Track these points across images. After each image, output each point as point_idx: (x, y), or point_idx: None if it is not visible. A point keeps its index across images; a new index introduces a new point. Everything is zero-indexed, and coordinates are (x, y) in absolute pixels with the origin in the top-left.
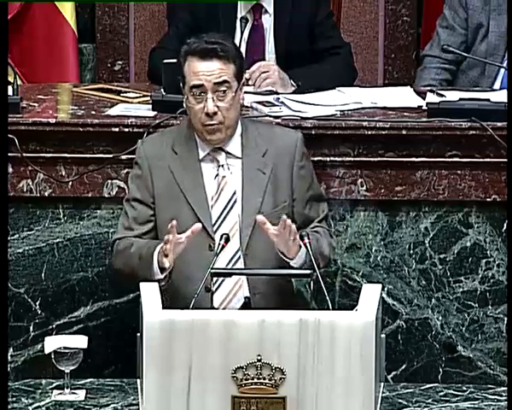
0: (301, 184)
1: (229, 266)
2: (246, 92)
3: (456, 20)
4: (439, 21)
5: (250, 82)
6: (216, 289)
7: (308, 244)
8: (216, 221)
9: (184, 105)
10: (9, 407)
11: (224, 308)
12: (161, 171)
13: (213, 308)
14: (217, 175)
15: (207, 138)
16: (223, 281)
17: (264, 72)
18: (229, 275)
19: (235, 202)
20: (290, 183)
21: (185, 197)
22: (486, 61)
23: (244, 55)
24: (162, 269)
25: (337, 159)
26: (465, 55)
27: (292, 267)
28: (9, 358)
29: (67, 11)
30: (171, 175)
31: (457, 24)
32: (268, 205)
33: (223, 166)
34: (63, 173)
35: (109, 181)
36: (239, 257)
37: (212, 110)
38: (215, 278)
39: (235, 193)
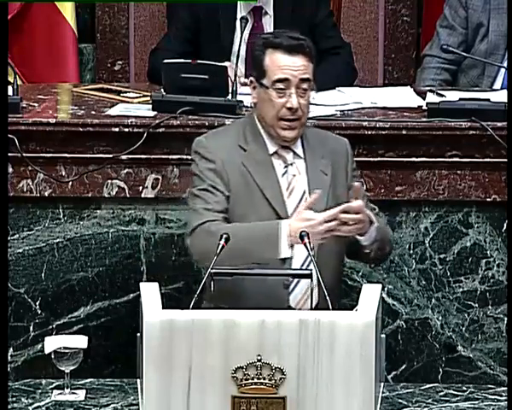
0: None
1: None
2: (247, 93)
3: (457, 19)
4: (439, 21)
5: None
6: (292, 289)
7: (308, 244)
8: (291, 215)
9: (253, 99)
10: (9, 407)
11: (299, 309)
12: (234, 167)
13: (290, 307)
14: (285, 173)
15: (281, 134)
16: (298, 282)
17: None
18: (230, 275)
19: (305, 201)
20: (346, 185)
21: (261, 192)
22: (486, 61)
23: (244, 56)
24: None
25: None
26: (465, 54)
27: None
28: (9, 358)
29: (67, 11)
30: (245, 170)
31: (457, 23)
32: (331, 207)
33: (292, 164)
34: (63, 173)
35: (109, 181)
36: (310, 260)
37: (297, 105)
38: (291, 278)
39: (304, 193)
